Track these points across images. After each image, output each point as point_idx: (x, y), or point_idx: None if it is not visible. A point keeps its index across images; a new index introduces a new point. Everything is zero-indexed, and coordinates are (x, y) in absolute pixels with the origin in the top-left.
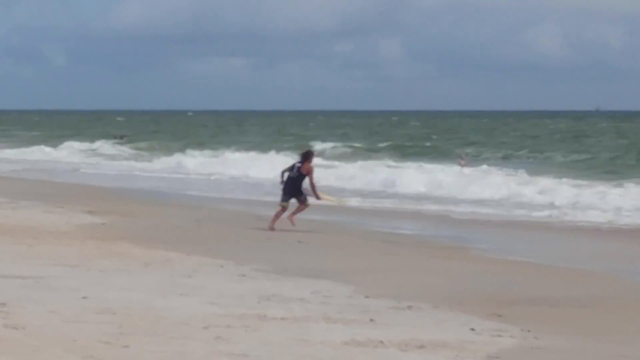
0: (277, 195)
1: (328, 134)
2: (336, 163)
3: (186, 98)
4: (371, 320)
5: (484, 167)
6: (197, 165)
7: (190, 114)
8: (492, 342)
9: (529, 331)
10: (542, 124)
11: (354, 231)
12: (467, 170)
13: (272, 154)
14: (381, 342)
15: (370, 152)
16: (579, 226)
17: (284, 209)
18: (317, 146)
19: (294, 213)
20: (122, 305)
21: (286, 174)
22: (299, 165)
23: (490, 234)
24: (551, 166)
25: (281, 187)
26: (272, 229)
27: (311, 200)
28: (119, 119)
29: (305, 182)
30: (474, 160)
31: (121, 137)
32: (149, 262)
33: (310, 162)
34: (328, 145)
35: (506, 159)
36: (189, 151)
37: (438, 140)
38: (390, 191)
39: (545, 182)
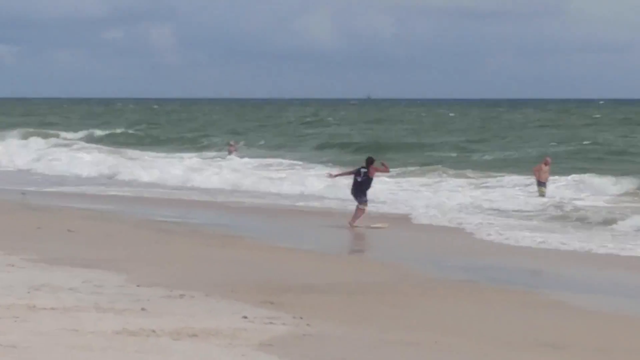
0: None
1: (84, 121)
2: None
3: None
4: (143, 309)
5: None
6: None
7: None
8: (265, 330)
9: (301, 318)
10: (301, 111)
11: (126, 220)
12: (236, 158)
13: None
14: (153, 331)
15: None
16: (348, 214)
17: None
18: (64, 134)
19: (355, 218)
20: None
21: (344, 177)
22: (364, 170)
23: (262, 222)
24: (310, 154)
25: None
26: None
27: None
28: None
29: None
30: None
31: None
32: None
33: (373, 165)
34: (77, 134)
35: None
36: None
37: (194, 128)
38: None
39: (312, 171)
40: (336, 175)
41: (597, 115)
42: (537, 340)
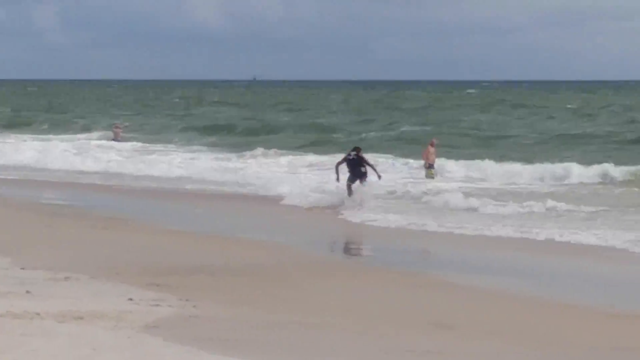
0: None
1: None
2: None
3: None
4: (27, 292)
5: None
6: None
7: None
8: (151, 312)
9: (187, 300)
10: (185, 92)
11: (9, 202)
12: (121, 140)
13: None
14: (37, 313)
15: None
16: (233, 195)
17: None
18: None
19: (363, 194)
20: None
21: (341, 166)
22: (354, 153)
23: (147, 205)
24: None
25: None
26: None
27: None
28: None
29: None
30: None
31: None
32: None
33: (360, 154)
34: None
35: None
36: None
37: (77, 110)
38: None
39: (188, 154)
40: (339, 177)
41: (474, 97)
42: (427, 320)
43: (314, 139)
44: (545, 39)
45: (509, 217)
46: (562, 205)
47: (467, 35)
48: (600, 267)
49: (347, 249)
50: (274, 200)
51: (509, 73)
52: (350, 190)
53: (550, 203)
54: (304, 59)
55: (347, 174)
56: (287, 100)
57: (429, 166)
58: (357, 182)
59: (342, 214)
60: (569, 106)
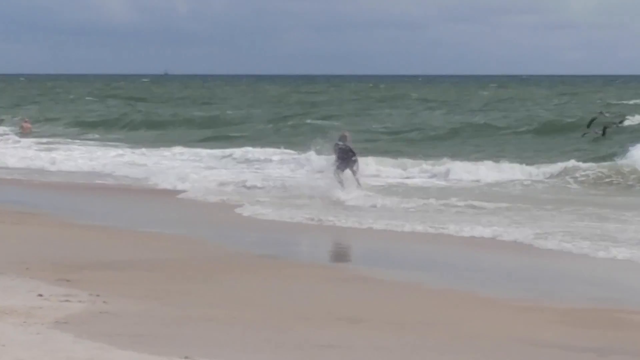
0: None
1: None
2: None
3: None
4: None
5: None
6: None
7: None
8: (61, 307)
9: (98, 295)
10: (90, 86)
11: None
12: (29, 135)
13: None
14: None
15: None
16: (136, 189)
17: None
18: None
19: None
20: None
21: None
22: (341, 143)
23: (57, 199)
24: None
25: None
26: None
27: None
28: None
29: None
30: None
31: None
32: None
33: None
34: None
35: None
36: None
37: None
38: None
39: (94, 147)
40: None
41: (381, 91)
42: (336, 315)
43: (217, 133)
44: (452, 33)
45: (414, 213)
46: (468, 202)
47: (376, 29)
48: (508, 260)
49: (256, 244)
50: (175, 194)
51: (417, 67)
52: (341, 180)
53: (456, 198)
54: (214, 53)
55: (337, 164)
56: (194, 94)
57: None
58: (348, 170)
59: (239, 209)
60: (474, 100)
